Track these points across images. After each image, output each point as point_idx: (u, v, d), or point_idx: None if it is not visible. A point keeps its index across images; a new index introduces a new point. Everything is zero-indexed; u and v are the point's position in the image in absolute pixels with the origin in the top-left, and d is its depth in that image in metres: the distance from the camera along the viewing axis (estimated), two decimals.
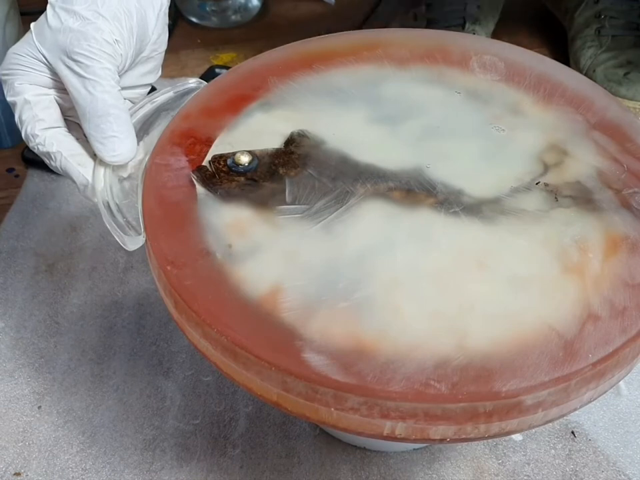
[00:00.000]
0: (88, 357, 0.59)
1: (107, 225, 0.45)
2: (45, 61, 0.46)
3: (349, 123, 0.49)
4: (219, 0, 0.95)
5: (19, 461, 0.53)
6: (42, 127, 0.46)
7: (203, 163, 0.46)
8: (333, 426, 0.38)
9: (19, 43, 0.47)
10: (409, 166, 0.46)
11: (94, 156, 0.46)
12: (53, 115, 0.47)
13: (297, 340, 0.38)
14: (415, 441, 0.38)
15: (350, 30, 0.57)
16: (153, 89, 0.52)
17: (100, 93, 0.45)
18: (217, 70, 0.83)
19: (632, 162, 0.47)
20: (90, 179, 0.46)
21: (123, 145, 0.45)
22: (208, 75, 0.82)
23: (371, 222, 0.43)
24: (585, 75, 0.76)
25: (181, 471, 0.52)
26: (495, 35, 0.89)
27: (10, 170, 0.75)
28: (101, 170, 0.46)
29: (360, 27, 0.86)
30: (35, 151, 0.47)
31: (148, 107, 0.50)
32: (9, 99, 0.47)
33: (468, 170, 0.47)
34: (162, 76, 0.53)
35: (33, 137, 0.46)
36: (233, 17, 0.95)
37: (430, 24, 0.85)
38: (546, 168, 0.47)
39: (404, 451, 0.54)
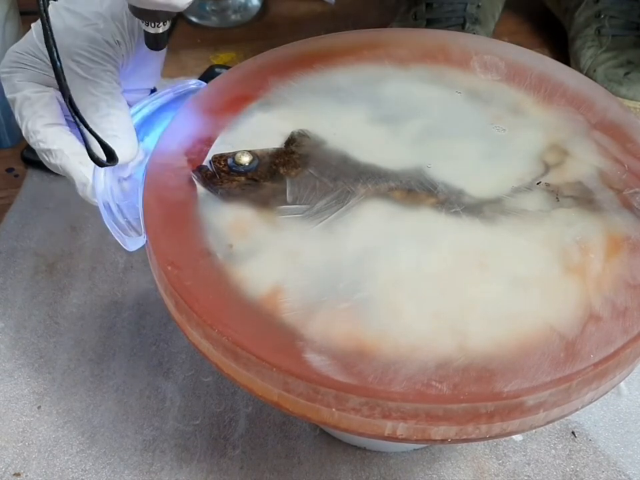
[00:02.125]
0: (88, 357, 0.59)
1: (107, 226, 0.45)
2: (46, 60, 0.46)
3: (350, 122, 0.49)
4: None
5: (19, 461, 0.53)
6: (43, 123, 0.46)
7: (204, 163, 0.46)
8: (334, 426, 0.38)
9: (19, 42, 0.47)
10: (410, 166, 0.46)
11: None
12: (54, 111, 0.46)
13: (297, 340, 0.38)
14: (416, 441, 0.38)
15: (350, 29, 0.57)
16: (153, 91, 0.52)
17: (101, 93, 0.45)
18: (217, 70, 0.83)
19: (633, 162, 0.47)
20: (90, 179, 0.45)
21: (123, 145, 0.45)
22: (208, 75, 0.82)
23: (371, 222, 0.43)
24: (586, 74, 0.76)
25: (181, 472, 0.52)
26: (495, 34, 0.89)
27: (9, 170, 0.75)
28: (101, 170, 0.46)
29: None
30: (35, 147, 0.46)
31: (148, 108, 0.50)
32: (8, 95, 0.47)
33: (469, 170, 0.47)
34: (162, 76, 0.53)
35: (34, 133, 0.46)
36: (233, 17, 0.95)
37: (430, 24, 0.85)
38: (547, 168, 0.47)
39: (404, 451, 0.53)
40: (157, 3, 0.39)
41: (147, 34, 0.44)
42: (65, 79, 0.40)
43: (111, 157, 0.43)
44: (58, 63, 0.39)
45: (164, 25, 0.43)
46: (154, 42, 0.44)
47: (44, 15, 0.38)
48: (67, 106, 0.41)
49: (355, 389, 0.36)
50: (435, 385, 0.36)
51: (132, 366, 0.58)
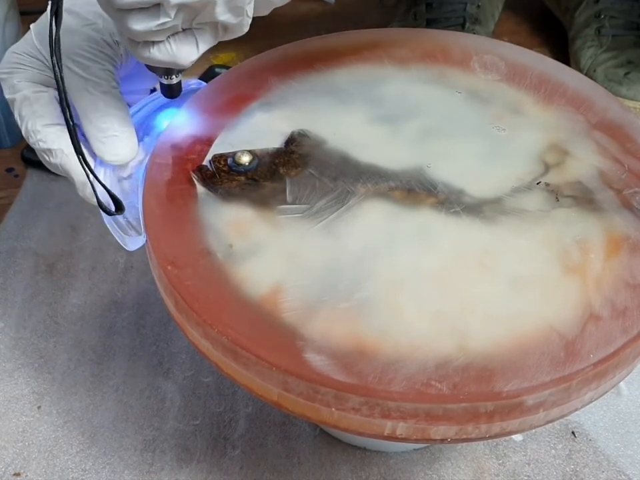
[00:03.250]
0: (88, 357, 0.59)
1: (107, 225, 0.45)
2: (45, 60, 0.46)
3: (350, 122, 0.49)
4: None
5: (19, 461, 0.53)
6: (43, 123, 0.46)
7: (204, 163, 0.46)
8: (333, 426, 0.38)
9: (18, 43, 0.47)
10: (410, 166, 0.46)
11: (94, 155, 0.46)
12: (53, 112, 0.46)
13: (297, 340, 0.38)
14: (415, 441, 0.38)
15: (350, 29, 0.57)
16: (153, 91, 0.52)
17: (101, 93, 0.45)
18: (217, 70, 0.83)
19: (633, 162, 0.47)
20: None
21: (123, 145, 0.45)
22: (208, 75, 0.82)
23: (371, 222, 0.43)
24: (586, 74, 0.76)
25: (181, 472, 0.52)
26: (495, 34, 0.89)
27: (9, 170, 0.75)
28: (101, 170, 0.46)
29: None
30: (35, 147, 0.46)
31: (148, 108, 0.50)
32: (7, 96, 0.47)
33: (469, 170, 0.47)
34: None
35: (33, 133, 0.46)
36: None
37: (430, 24, 0.85)
38: (547, 168, 0.47)
39: (404, 451, 0.53)
40: (163, 62, 0.42)
41: (161, 84, 0.47)
42: (73, 122, 0.42)
43: (119, 207, 0.44)
44: (66, 105, 0.41)
45: (176, 76, 0.46)
46: (169, 92, 0.47)
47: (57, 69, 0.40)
48: (80, 161, 0.42)
49: (354, 389, 0.36)
50: (434, 385, 0.36)
51: (132, 366, 0.58)
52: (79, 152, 0.42)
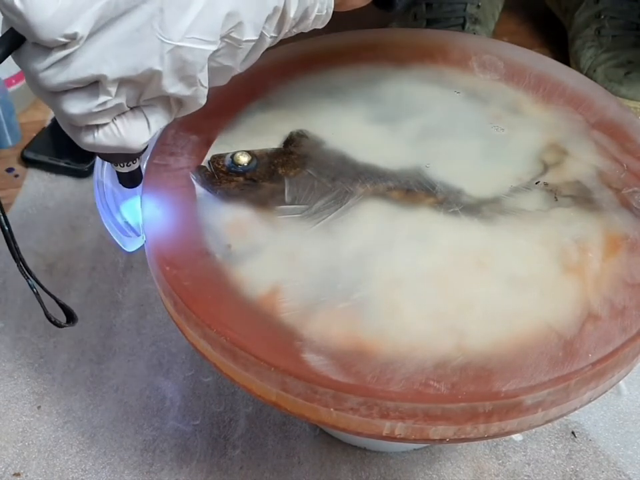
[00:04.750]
0: (87, 357, 0.59)
1: (106, 226, 0.45)
2: None
3: (349, 122, 0.49)
4: None
5: (19, 461, 0.53)
6: None
7: (202, 163, 0.46)
8: (332, 426, 0.38)
9: None
10: (408, 166, 0.46)
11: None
12: None
13: (296, 340, 0.38)
14: (414, 441, 0.38)
15: (349, 30, 0.57)
16: None
17: None
18: None
19: (632, 161, 0.47)
20: None
21: None
22: None
23: (370, 222, 0.43)
24: (586, 74, 0.76)
25: (181, 472, 0.52)
26: (495, 34, 0.88)
27: (10, 170, 0.75)
28: (103, 167, 0.46)
29: None
30: None
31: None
32: None
33: (467, 170, 0.47)
34: None
35: None
36: None
37: (430, 24, 0.84)
38: (546, 167, 0.47)
39: (404, 451, 0.53)
40: (110, 147, 0.37)
41: (120, 174, 0.42)
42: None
43: (70, 317, 0.41)
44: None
45: (133, 163, 0.41)
46: (129, 179, 0.42)
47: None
48: (20, 269, 0.41)
49: (353, 389, 0.36)
50: (433, 385, 0.36)
51: (132, 366, 0.58)
52: (16, 258, 0.39)
